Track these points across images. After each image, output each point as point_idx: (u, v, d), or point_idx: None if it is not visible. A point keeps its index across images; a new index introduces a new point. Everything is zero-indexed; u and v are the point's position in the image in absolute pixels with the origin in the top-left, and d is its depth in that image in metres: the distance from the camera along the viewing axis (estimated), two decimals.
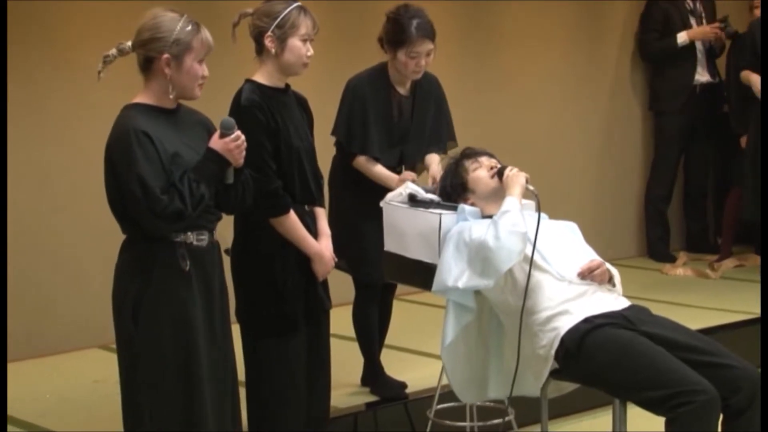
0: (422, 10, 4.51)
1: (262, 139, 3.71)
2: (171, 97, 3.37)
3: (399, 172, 4.60)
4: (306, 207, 3.87)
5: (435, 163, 4.53)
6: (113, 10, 5.55)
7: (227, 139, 3.34)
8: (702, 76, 7.31)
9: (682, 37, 7.25)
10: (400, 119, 4.60)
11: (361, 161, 4.55)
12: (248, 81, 3.81)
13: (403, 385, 4.75)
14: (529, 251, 3.69)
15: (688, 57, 7.28)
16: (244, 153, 3.39)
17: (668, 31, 7.31)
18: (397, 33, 4.47)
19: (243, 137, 3.37)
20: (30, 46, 5.52)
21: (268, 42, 3.76)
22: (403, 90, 4.61)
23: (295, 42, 3.76)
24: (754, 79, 6.59)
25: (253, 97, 3.74)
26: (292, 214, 3.78)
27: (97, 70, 3.41)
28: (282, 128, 3.77)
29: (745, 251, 7.41)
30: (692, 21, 7.29)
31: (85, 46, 5.51)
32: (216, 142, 3.35)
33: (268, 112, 3.74)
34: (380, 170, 4.53)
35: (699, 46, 7.26)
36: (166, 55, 3.32)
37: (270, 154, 3.73)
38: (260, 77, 3.81)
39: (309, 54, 3.79)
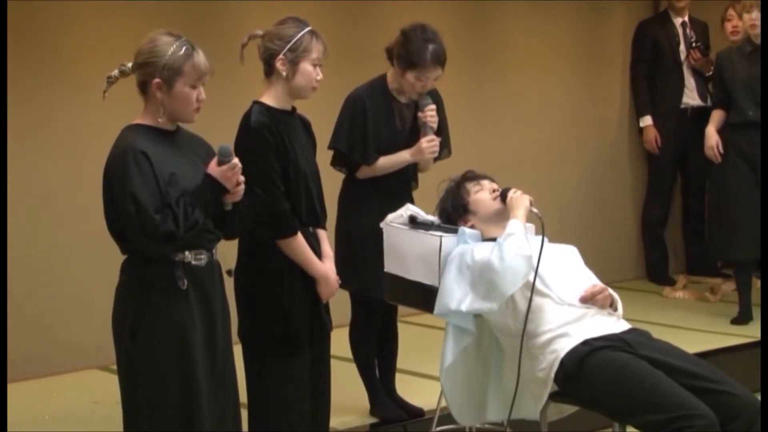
0: (437, 33, 4.51)
1: (271, 160, 3.73)
2: (160, 120, 3.38)
3: (411, 188, 4.66)
4: (311, 229, 3.88)
5: None
6: (119, 29, 5.58)
7: (224, 166, 3.35)
8: (692, 99, 7.32)
9: (644, 121, 7.45)
10: (404, 126, 4.63)
11: (366, 170, 4.57)
12: (256, 102, 3.82)
13: (407, 408, 4.74)
14: (532, 276, 3.69)
15: (674, 81, 7.32)
16: (242, 182, 3.40)
17: (658, 57, 7.36)
18: (412, 55, 4.46)
19: (240, 165, 3.38)
20: (36, 65, 5.54)
21: (279, 65, 3.77)
22: (403, 98, 4.64)
23: (306, 66, 3.78)
24: (709, 135, 6.28)
25: (262, 118, 3.76)
26: (300, 236, 3.79)
27: (102, 88, 3.43)
28: (290, 150, 3.78)
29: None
30: (682, 47, 7.33)
31: (90, 64, 5.53)
32: (213, 169, 3.36)
33: (277, 134, 3.76)
34: (385, 160, 4.55)
35: (686, 69, 7.30)
36: (157, 80, 3.34)
37: (279, 175, 3.74)
38: (268, 99, 3.82)
39: (318, 78, 3.81)
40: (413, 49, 4.46)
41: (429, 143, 4.56)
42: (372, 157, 4.54)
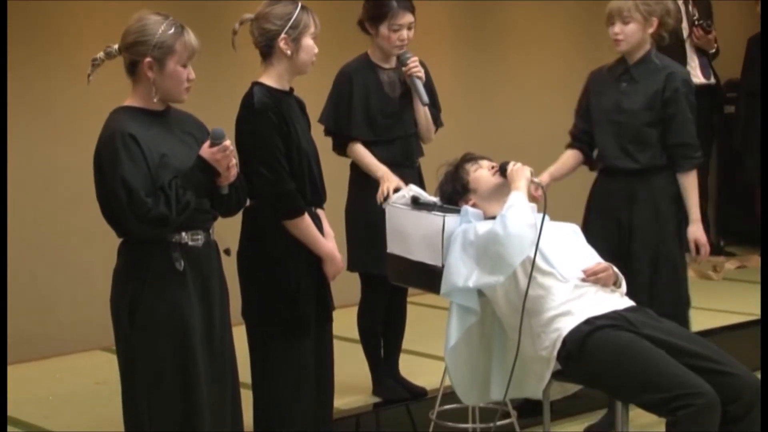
0: None
1: (276, 140, 3.72)
2: (155, 100, 3.36)
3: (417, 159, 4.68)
4: (313, 209, 3.88)
5: None
6: (119, 13, 5.50)
7: (214, 149, 3.33)
8: (695, 77, 7.23)
9: None
10: (394, 92, 4.63)
11: (354, 148, 4.57)
12: (256, 84, 3.81)
13: (410, 388, 4.75)
14: (532, 252, 3.68)
15: (677, 59, 7.25)
16: (234, 164, 3.38)
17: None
18: (379, 7, 4.53)
19: (231, 149, 3.35)
20: (36, 48, 5.53)
21: (282, 44, 3.76)
22: (387, 65, 4.65)
23: (308, 41, 3.78)
24: (696, 239, 4.59)
25: (265, 99, 3.75)
26: (306, 216, 3.78)
27: (100, 74, 3.42)
28: (293, 130, 3.78)
29: (747, 252, 7.42)
30: (684, 24, 7.30)
31: (90, 48, 5.41)
32: (204, 151, 3.34)
33: (280, 115, 3.75)
34: (370, 160, 4.54)
35: (688, 47, 7.26)
36: (148, 59, 3.31)
37: (283, 155, 3.74)
38: (268, 80, 3.81)
39: (316, 51, 3.82)
40: (379, 2, 4.52)
41: (411, 62, 4.54)
42: (355, 128, 4.53)
